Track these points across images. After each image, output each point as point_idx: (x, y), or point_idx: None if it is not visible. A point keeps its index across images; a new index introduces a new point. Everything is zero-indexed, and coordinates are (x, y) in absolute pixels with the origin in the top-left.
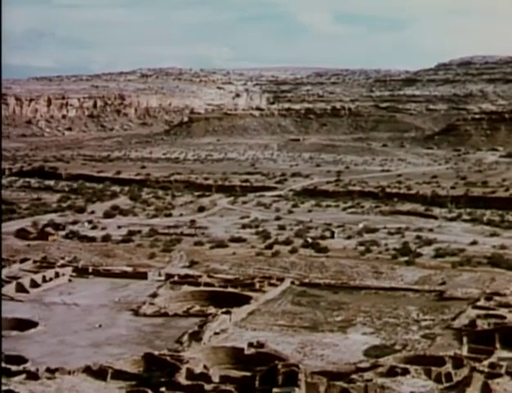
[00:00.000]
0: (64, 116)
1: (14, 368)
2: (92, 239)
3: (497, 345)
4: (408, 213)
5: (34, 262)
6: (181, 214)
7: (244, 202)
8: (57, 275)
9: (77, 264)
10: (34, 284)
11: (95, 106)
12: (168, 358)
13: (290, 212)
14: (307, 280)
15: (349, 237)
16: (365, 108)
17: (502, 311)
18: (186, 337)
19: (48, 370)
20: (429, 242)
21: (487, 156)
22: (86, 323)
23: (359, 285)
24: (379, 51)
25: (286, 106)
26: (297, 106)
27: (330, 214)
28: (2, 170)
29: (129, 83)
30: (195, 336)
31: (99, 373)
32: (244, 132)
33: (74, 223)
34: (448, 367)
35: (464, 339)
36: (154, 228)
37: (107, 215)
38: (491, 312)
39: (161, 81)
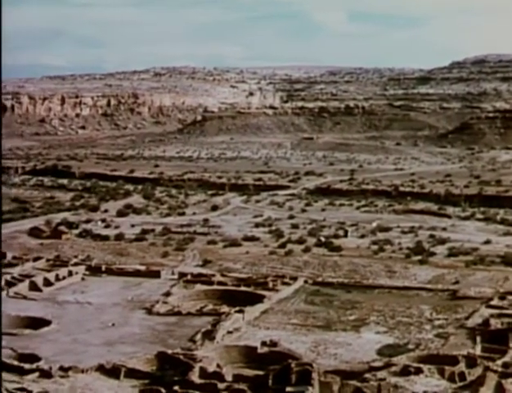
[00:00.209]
0: (77, 115)
1: (27, 366)
2: (105, 238)
3: (511, 345)
4: (421, 212)
5: (47, 260)
6: (194, 213)
7: (258, 201)
8: (70, 274)
9: (90, 263)
10: (47, 283)
11: (108, 104)
12: (181, 356)
13: (304, 211)
14: (320, 279)
15: (362, 236)
16: (378, 107)
17: None
18: (199, 336)
19: (61, 368)
20: (443, 241)
21: (501, 155)
22: (99, 322)
23: (372, 284)
24: (393, 49)
25: (300, 104)
26: (310, 105)
27: (343, 212)
28: (16, 169)
29: (143, 82)
30: (209, 335)
31: (112, 372)
32: (258, 130)
33: (88, 221)
34: (462, 366)
35: (478, 338)
36: (167, 227)
37: (120, 214)
38: (505, 311)
39: (174, 80)
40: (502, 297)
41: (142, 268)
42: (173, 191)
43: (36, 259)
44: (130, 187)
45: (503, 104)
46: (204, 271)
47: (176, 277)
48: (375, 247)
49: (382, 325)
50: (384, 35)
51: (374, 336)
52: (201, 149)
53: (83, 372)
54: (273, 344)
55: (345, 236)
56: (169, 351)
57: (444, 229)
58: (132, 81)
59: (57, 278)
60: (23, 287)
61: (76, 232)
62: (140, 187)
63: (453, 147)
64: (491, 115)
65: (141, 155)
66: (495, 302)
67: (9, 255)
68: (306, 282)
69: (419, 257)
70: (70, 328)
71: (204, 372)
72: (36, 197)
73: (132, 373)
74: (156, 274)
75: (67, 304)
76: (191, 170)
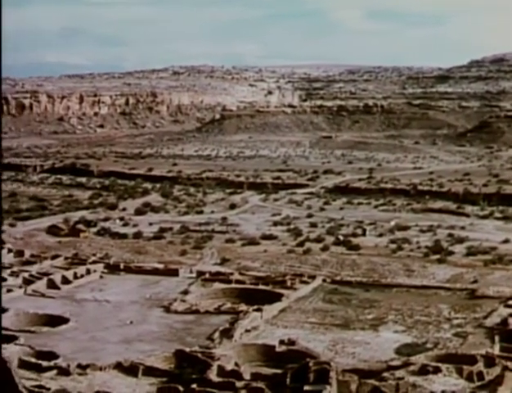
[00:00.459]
0: (96, 114)
1: (45, 363)
2: (124, 236)
3: None
4: (440, 211)
5: (66, 258)
6: (212, 212)
7: (276, 199)
8: (88, 272)
9: (108, 261)
10: (66, 280)
11: (127, 103)
12: (199, 355)
13: (322, 209)
14: (338, 278)
15: (381, 235)
16: (397, 105)
17: None
18: (217, 334)
19: (79, 366)
20: (461, 240)
21: None
22: (117, 320)
23: (390, 283)
24: (412, 47)
25: (318, 103)
26: (329, 104)
27: (361, 211)
28: (34, 167)
29: (161, 81)
30: (227, 334)
31: (130, 370)
32: (276, 129)
33: (106, 219)
34: (480, 365)
35: (496, 337)
36: (185, 225)
37: (139, 212)
38: None
39: (193, 78)
40: None
41: (160, 266)
42: (192, 190)
43: (54, 257)
44: (148, 185)
45: None
46: (222, 269)
47: (194, 275)
48: (394, 246)
49: (400, 324)
50: (401, 33)
51: (392, 335)
52: (220, 147)
53: (100, 369)
54: (291, 342)
55: (363, 234)
56: (187, 349)
57: (463, 228)
58: (151, 80)
59: (75, 276)
60: (41, 285)
61: (94, 230)
62: (158, 185)
63: (472, 146)
64: (509, 113)
65: (159, 154)
66: None
67: (27, 253)
68: (324, 280)
69: (437, 256)
70: (88, 326)
71: (222, 371)
72: (54, 195)
73: (150, 371)
74: (174, 272)
75: (85, 302)
76: (210, 169)
